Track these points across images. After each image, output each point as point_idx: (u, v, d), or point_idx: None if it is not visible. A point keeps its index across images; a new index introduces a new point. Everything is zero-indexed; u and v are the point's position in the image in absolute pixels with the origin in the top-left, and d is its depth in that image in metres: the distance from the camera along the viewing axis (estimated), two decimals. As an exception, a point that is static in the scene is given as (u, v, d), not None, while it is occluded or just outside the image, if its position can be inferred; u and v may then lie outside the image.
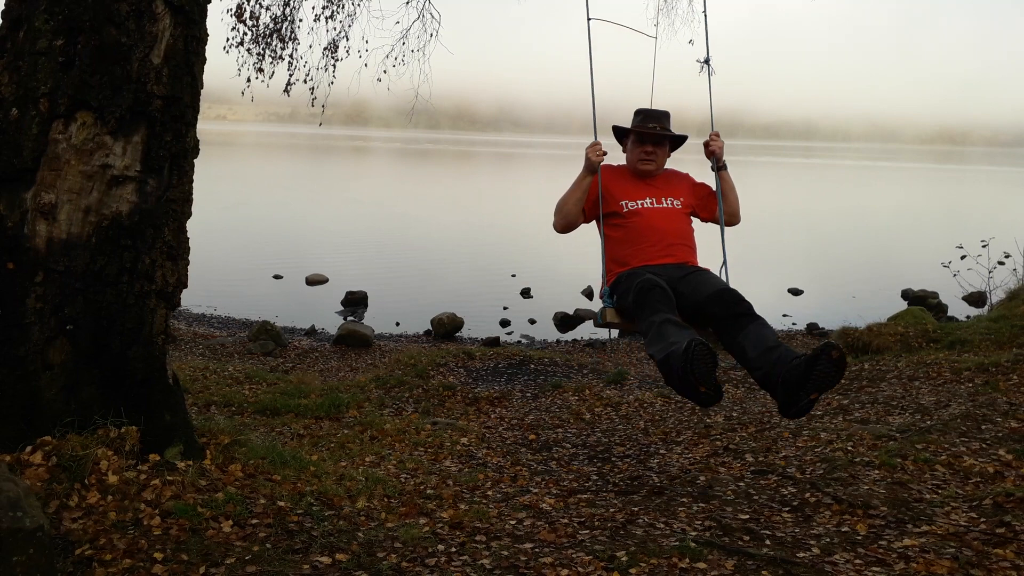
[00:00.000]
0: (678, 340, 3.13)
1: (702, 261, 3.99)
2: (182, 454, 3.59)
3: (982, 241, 13.51)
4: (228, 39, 8.38)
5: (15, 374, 3.29)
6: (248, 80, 8.55)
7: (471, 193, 44.86)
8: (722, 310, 3.44)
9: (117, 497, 3.16)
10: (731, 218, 4.12)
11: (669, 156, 4.17)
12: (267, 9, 8.47)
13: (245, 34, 8.39)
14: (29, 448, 3.18)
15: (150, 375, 3.60)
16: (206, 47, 3.82)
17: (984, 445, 4.61)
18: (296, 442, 5.34)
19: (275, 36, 8.57)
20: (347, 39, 8.73)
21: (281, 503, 3.48)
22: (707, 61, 4.44)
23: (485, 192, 46.34)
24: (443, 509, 3.89)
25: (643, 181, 4.05)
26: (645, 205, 3.93)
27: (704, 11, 4.41)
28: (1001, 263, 14.06)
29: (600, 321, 3.88)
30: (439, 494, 4.18)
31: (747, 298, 3.52)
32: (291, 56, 8.69)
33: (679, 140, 4.17)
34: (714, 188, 4.10)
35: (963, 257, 13.73)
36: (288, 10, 8.56)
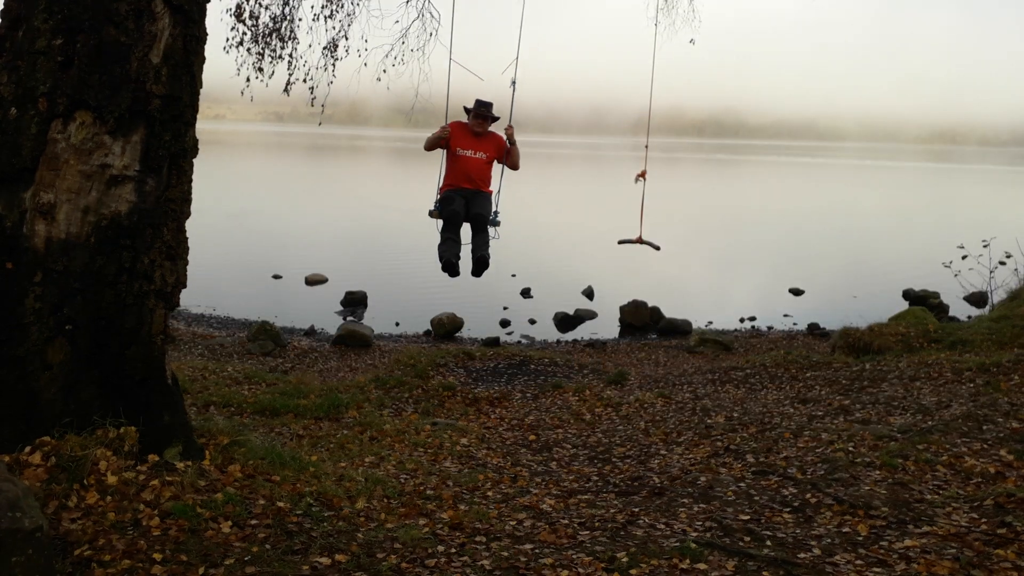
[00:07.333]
0: (447, 252, 6.38)
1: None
2: (181, 454, 3.58)
3: (983, 241, 13.48)
4: (228, 39, 8.36)
5: (14, 374, 3.28)
6: (248, 80, 8.52)
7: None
8: (475, 225, 6.54)
9: (116, 497, 3.15)
10: (513, 166, 6.82)
11: (489, 124, 6.79)
12: (266, 9, 8.46)
13: (244, 34, 8.37)
14: (28, 448, 3.17)
15: (149, 375, 3.59)
16: (205, 47, 3.82)
17: (985, 445, 4.60)
18: (295, 443, 5.34)
19: (274, 36, 8.55)
20: (346, 38, 8.72)
21: (280, 504, 3.47)
22: (513, 83, 6.86)
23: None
24: (443, 510, 3.89)
25: (474, 137, 6.67)
26: (468, 154, 6.64)
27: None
28: (1002, 263, 14.05)
29: (432, 216, 6.73)
30: (439, 495, 4.17)
31: None
32: (291, 56, 8.68)
33: (495, 118, 6.81)
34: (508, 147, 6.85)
35: (964, 257, 13.72)
36: (287, 9, 8.55)
